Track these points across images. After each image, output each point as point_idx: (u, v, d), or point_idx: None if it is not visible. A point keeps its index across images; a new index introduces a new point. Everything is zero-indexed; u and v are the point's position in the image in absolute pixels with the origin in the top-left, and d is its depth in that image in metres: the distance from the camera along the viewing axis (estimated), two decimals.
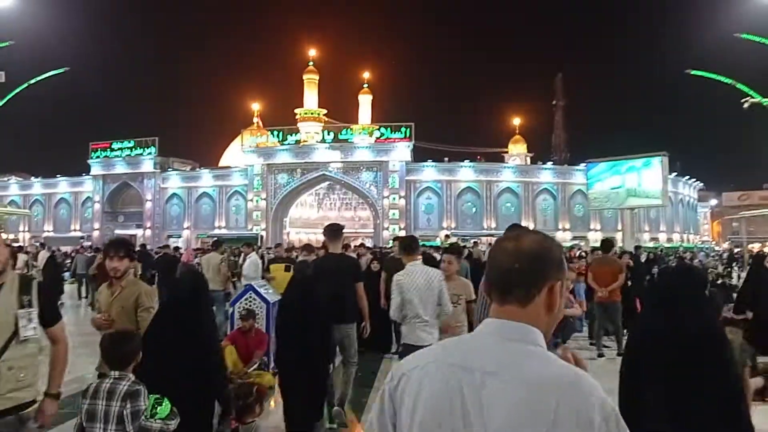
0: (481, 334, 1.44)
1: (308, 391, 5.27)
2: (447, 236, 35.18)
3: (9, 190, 55.77)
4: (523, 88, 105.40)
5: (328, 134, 47.74)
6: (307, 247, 10.64)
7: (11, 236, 42.99)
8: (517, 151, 53.30)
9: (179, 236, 49.34)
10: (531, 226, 43.68)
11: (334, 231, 6.68)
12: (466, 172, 47.18)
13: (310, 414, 5.31)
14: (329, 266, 6.35)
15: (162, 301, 4.54)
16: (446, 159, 48.15)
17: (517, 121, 55.07)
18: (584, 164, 42.34)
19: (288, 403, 5.38)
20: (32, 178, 57.14)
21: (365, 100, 55.81)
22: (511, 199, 46.97)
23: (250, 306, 8.27)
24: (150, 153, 50.02)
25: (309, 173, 47.61)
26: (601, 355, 9.51)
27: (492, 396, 1.32)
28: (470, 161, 48.16)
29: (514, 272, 1.44)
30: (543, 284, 1.44)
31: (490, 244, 27.21)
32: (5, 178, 55.03)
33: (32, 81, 29.42)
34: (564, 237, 44.84)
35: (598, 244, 11.78)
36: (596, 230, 45.23)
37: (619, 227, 42.04)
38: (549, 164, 49.72)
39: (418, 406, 1.39)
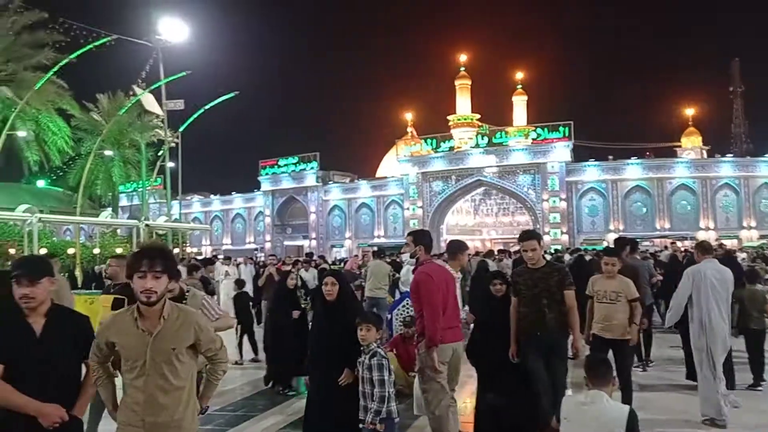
0: None
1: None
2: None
3: (192, 208, 62.23)
4: (694, 76, 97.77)
5: (482, 139, 48.52)
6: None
7: (195, 250, 47.94)
8: (692, 144, 50.40)
9: (342, 246, 52.98)
10: (711, 225, 43.38)
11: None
12: (633, 170, 45.72)
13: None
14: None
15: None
16: (610, 157, 46.95)
17: (689, 111, 52.22)
18: None
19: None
20: (211, 196, 63.48)
21: (520, 102, 55.86)
22: (687, 197, 44.77)
23: (411, 312, 8.17)
24: (312, 167, 54.00)
25: (464, 179, 48.66)
26: None
27: None
28: (637, 158, 46.44)
29: None
30: None
31: (666, 247, 27.10)
32: (188, 197, 60.66)
33: (207, 106, 32.77)
34: (750, 236, 42.22)
35: None
36: None
37: None
38: (729, 157, 46.74)
39: None
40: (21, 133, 29.98)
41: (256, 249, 52.62)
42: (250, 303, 11.36)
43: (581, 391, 4.04)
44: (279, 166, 55.59)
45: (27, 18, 30.36)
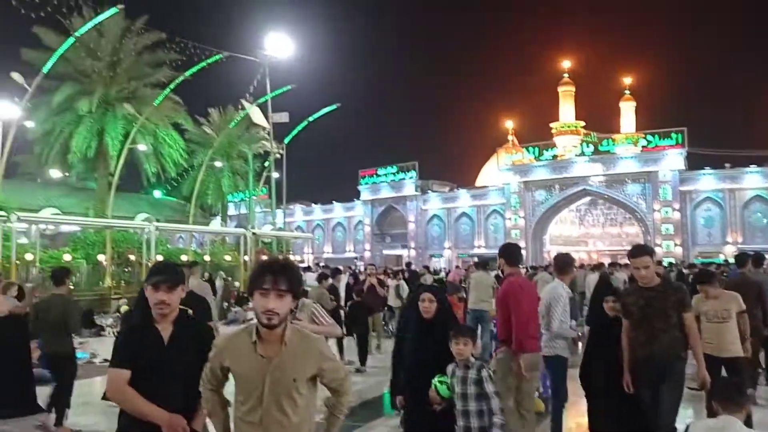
0: None
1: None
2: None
3: (294, 217, 63.92)
4: None
5: (587, 147, 47.32)
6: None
7: (297, 258, 49.31)
8: None
9: (441, 256, 52.77)
10: None
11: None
12: (753, 179, 42.87)
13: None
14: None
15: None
16: (727, 165, 44.10)
17: None
18: None
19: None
20: (313, 204, 64.96)
21: (628, 108, 53.60)
22: None
23: None
24: (411, 177, 54.47)
25: (568, 188, 47.68)
26: None
27: None
28: (758, 166, 43.29)
29: None
30: None
31: None
32: (291, 206, 61.06)
33: (311, 118, 33.90)
34: None
35: None
36: None
37: None
38: None
39: None
40: (141, 147, 32.12)
41: (355, 258, 53.55)
42: (366, 313, 11.43)
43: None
44: (378, 176, 56.50)
45: (148, 39, 32.74)
